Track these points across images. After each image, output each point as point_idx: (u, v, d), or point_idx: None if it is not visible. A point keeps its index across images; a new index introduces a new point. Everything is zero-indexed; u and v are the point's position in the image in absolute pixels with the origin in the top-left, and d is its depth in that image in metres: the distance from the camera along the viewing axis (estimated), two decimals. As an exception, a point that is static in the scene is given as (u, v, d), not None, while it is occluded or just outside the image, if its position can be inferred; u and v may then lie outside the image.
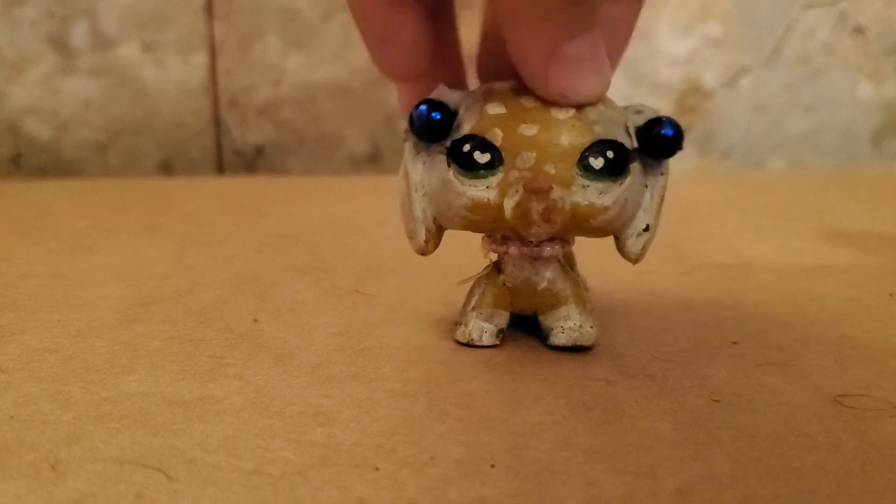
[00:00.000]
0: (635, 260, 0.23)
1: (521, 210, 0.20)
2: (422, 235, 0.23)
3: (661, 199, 0.23)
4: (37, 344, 0.24)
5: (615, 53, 0.23)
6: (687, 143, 0.69)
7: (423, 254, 0.23)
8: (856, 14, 0.66)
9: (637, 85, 0.66)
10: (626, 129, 0.22)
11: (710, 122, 0.68)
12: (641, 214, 0.22)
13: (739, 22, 0.66)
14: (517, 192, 0.20)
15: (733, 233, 0.41)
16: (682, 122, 0.66)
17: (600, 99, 0.21)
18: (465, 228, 0.22)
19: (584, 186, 0.21)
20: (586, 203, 0.21)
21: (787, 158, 0.69)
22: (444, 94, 0.22)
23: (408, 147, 0.23)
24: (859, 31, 0.67)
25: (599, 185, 0.21)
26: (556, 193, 0.20)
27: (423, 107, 0.21)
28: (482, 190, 0.21)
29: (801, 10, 0.66)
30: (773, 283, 0.31)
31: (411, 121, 0.22)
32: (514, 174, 0.20)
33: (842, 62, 0.67)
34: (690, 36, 0.66)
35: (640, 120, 0.22)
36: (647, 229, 0.22)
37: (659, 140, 0.21)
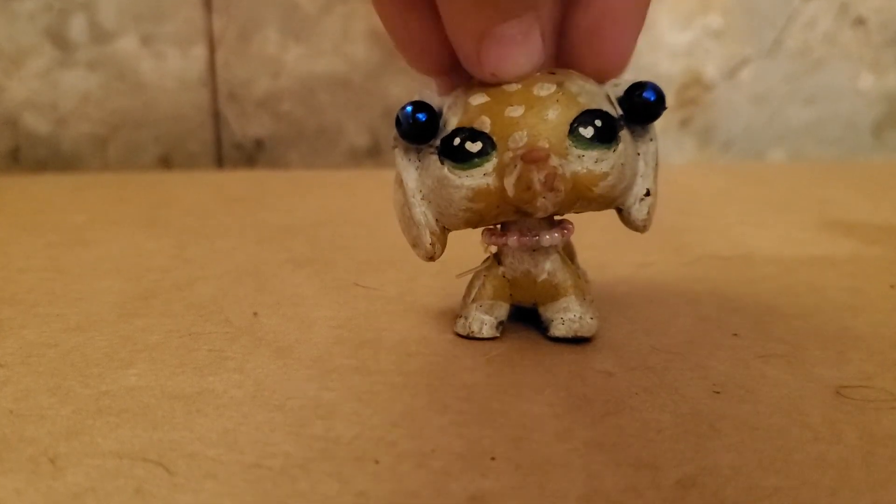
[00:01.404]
0: (643, 227, 0.23)
1: (524, 183, 0.20)
2: (427, 239, 0.23)
3: (656, 164, 0.23)
4: (36, 338, 0.24)
5: (630, 24, 0.23)
6: (687, 135, 0.69)
7: (430, 258, 0.23)
8: (857, 5, 0.66)
9: (637, 77, 0.65)
10: (609, 100, 0.22)
11: (710, 113, 0.68)
12: (640, 181, 0.23)
13: (740, 13, 0.66)
14: (516, 167, 0.20)
15: (734, 224, 0.41)
16: (682, 113, 0.66)
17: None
18: (468, 223, 0.22)
19: (579, 156, 0.21)
20: (585, 171, 0.21)
21: (787, 150, 0.69)
22: (427, 95, 0.22)
23: (398, 155, 0.23)
24: (860, 21, 0.67)
25: (594, 154, 0.21)
26: (554, 161, 0.20)
27: (409, 108, 0.22)
28: (480, 178, 0.21)
29: (801, 0, 0.66)
30: (775, 274, 0.31)
31: (398, 123, 0.22)
32: (509, 155, 0.20)
33: (843, 53, 0.67)
34: (691, 27, 0.66)
35: (620, 89, 0.22)
36: (648, 194, 0.23)
37: (642, 104, 0.22)
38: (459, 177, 0.21)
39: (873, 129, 0.69)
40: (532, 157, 0.20)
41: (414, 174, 0.23)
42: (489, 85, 0.22)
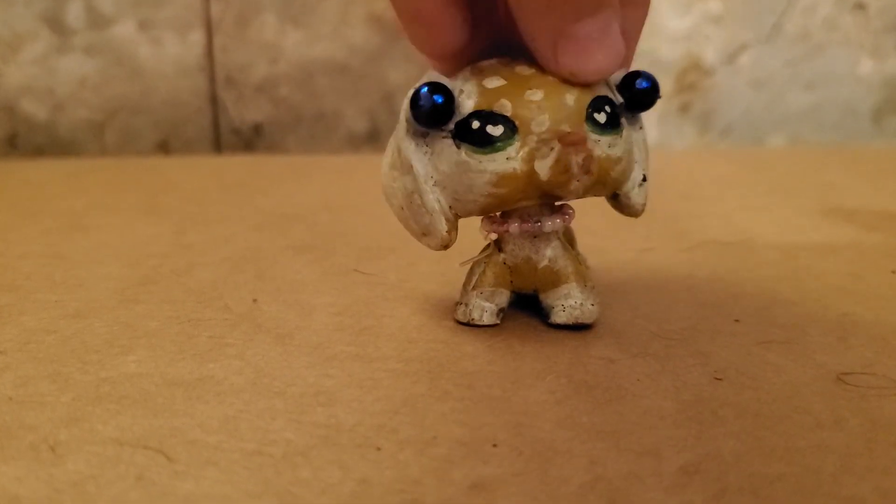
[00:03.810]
0: (641, 211, 0.23)
1: (562, 165, 0.20)
2: (443, 226, 0.22)
3: (647, 152, 0.24)
4: (35, 325, 0.24)
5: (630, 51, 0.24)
6: (687, 120, 0.69)
7: (445, 246, 0.22)
8: (857, -11, 0.66)
9: (637, 62, 0.65)
10: (609, 86, 0.22)
11: (710, 98, 0.68)
12: (636, 167, 0.23)
13: (740, -2, 0.66)
14: (552, 149, 0.20)
15: (734, 209, 0.41)
16: (682, 99, 0.66)
17: (610, 75, 0.21)
18: (485, 209, 0.22)
19: (596, 141, 0.21)
20: (604, 155, 0.21)
21: (787, 135, 0.69)
22: (437, 76, 0.21)
23: (407, 140, 0.22)
24: (860, 7, 0.66)
25: (607, 139, 0.21)
26: (590, 144, 0.20)
27: (424, 89, 0.21)
28: (503, 162, 0.21)
29: (802, -15, 0.66)
30: (775, 260, 0.31)
31: (415, 105, 0.21)
32: (534, 139, 0.20)
33: (843, 38, 0.67)
34: (690, 13, 0.66)
35: (617, 76, 0.22)
36: (645, 179, 0.23)
37: (641, 93, 0.22)
38: (481, 161, 0.21)
39: (873, 115, 0.68)
40: (571, 140, 0.20)
41: (424, 160, 0.22)
42: (502, 67, 0.22)
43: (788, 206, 0.42)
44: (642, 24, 0.24)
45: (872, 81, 0.68)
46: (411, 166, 0.22)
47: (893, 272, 0.29)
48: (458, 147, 0.21)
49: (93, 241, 0.35)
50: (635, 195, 0.23)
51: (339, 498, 0.15)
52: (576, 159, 0.20)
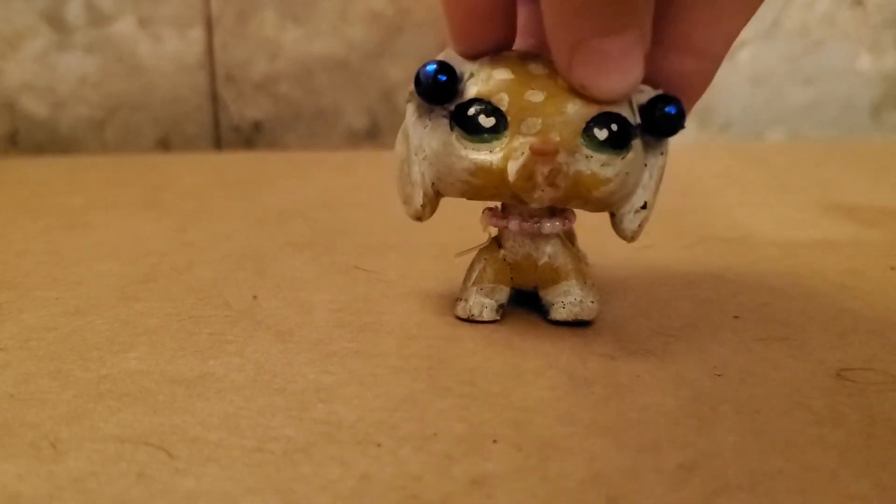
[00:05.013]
0: (631, 238, 0.23)
1: (526, 172, 0.20)
2: (419, 200, 0.23)
3: (660, 179, 0.23)
4: (35, 322, 0.24)
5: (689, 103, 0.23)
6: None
7: (418, 218, 0.23)
8: (857, -15, 0.66)
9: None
10: (631, 105, 0.21)
11: (709, 94, 0.67)
12: (640, 192, 0.22)
13: (739, -7, 0.66)
14: (522, 154, 0.20)
15: (734, 206, 0.41)
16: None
17: (623, 99, 0.21)
18: (463, 194, 0.22)
19: (587, 157, 0.20)
20: (589, 172, 0.20)
21: (786, 130, 0.69)
22: (451, 56, 0.22)
23: (410, 110, 0.22)
24: (859, 2, 0.66)
25: (602, 157, 0.20)
26: (562, 158, 0.20)
27: (431, 67, 0.21)
28: (485, 154, 0.21)
29: (801, -20, 0.66)
30: (775, 256, 0.31)
31: (418, 81, 0.21)
32: (519, 139, 0.20)
33: (841, 34, 0.67)
34: (690, 8, 0.66)
35: (644, 97, 0.21)
36: (644, 207, 0.22)
37: (663, 118, 0.21)
38: (466, 148, 0.21)
39: (872, 110, 0.68)
40: (540, 150, 0.19)
41: (421, 132, 0.22)
42: (516, 61, 0.21)
43: (788, 201, 0.42)
44: (708, 80, 0.23)
45: (871, 76, 0.68)
46: (408, 136, 0.22)
47: (892, 268, 0.29)
48: (452, 129, 0.21)
49: (93, 239, 0.35)
50: (628, 220, 0.23)
51: (339, 494, 0.15)
52: (541, 169, 0.19)
